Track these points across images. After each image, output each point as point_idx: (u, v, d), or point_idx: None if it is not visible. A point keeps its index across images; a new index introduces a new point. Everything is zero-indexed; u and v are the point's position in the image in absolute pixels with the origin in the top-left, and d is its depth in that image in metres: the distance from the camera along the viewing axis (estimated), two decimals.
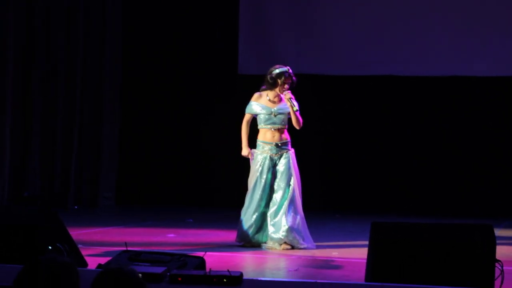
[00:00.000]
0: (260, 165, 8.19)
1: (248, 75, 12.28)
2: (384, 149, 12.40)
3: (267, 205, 8.18)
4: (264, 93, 8.27)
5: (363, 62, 12.17)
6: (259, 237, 8.19)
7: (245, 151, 8.29)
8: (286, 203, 8.08)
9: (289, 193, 8.10)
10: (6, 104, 11.49)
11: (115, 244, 7.69)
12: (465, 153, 12.20)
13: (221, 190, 12.62)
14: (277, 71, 8.22)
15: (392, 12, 12.12)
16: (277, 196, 8.13)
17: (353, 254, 7.78)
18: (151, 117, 13.03)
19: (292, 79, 8.23)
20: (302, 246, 8.07)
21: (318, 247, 8.22)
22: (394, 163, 12.34)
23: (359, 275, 6.13)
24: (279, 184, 8.15)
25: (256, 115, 8.26)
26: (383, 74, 12.23)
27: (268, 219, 8.13)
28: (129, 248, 6.20)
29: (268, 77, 8.23)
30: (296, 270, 6.88)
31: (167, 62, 12.96)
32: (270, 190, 8.18)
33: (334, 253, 7.92)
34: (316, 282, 5.53)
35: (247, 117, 8.33)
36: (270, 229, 8.10)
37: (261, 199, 8.16)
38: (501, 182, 12.06)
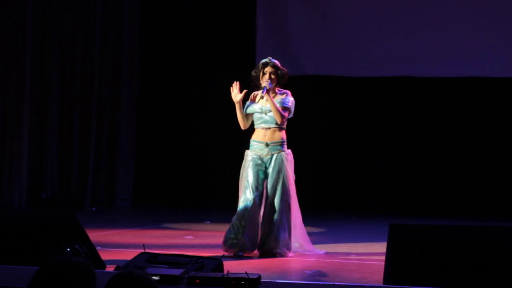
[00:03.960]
0: (249, 165, 7.76)
1: None
2: (402, 150, 12.34)
3: (260, 208, 7.68)
4: (260, 92, 7.86)
5: (382, 63, 12.11)
6: (248, 245, 7.61)
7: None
8: (277, 210, 7.60)
9: (280, 198, 7.62)
10: (24, 106, 11.53)
11: (133, 246, 7.69)
12: (485, 153, 12.12)
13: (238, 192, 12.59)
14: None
15: (411, 12, 12.06)
16: (268, 201, 7.67)
17: (371, 257, 7.74)
18: (168, 119, 13.03)
19: (274, 67, 7.76)
20: (293, 253, 7.64)
21: (335, 249, 8.18)
22: (413, 164, 12.28)
23: (377, 277, 6.10)
24: (270, 188, 7.65)
25: (253, 114, 7.89)
26: (402, 75, 12.17)
27: (260, 225, 7.65)
28: (147, 250, 6.20)
29: (253, 72, 7.92)
30: (314, 272, 6.86)
31: (184, 64, 12.96)
32: (263, 192, 7.69)
33: (352, 256, 7.88)
34: (333, 285, 5.51)
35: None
36: (261, 237, 7.64)
37: (254, 202, 7.63)
38: None
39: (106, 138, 12.56)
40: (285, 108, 7.77)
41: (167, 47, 13.02)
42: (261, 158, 7.77)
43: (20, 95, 11.51)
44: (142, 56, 12.92)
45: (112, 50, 12.57)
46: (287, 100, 7.79)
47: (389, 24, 12.14)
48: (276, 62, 7.85)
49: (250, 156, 7.83)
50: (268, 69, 7.79)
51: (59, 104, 12.13)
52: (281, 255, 7.58)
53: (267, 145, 7.77)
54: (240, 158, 12.55)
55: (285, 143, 7.83)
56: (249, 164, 7.80)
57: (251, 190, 7.70)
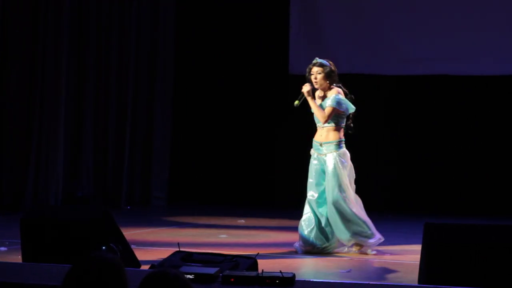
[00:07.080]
0: (310, 165, 7.88)
1: (299, 75, 12.24)
2: (438, 149, 12.27)
3: (323, 207, 7.77)
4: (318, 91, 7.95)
5: (418, 60, 12.03)
6: (323, 243, 7.78)
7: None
8: (333, 210, 7.68)
9: (334, 200, 7.68)
10: (59, 105, 11.61)
11: (168, 245, 7.72)
12: None
13: (273, 190, 12.60)
14: None
15: (448, 8, 11.98)
16: (328, 200, 7.72)
17: (406, 256, 7.70)
18: (202, 116, 13.07)
19: (319, 67, 7.81)
20: (370, 243, 7.78)
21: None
22: (449, 163, 12.20)
23: (412, 277, 6.06)
24: (327, 188, 7.74)
25: None
26: (439, 73, 12.10)
27: (331, 223, 7.77)
28: (181, 249, 6.22)
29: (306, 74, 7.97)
30: (348, 271, 6.84)
31: (218, 62, 12.99)
32: (324, 192, 7.78)
33: (387, 255, 7.85)
34: (368, 284, 5.49)
35: None
36: (336, 233, 7.78)
37: (315, 201, 7.77)
38: None
39: (141, 136, 12.62)
40: (329, 108, 7.74)
41: (201, 45, 13.05)
42: (318, 158, 7.84)
43: (56, 94, 11.59)
44: (177, 53, 12.96)
45: (147, 50, 12.62)
46: (329, 101, 7.75)
47: (425, 21, 12.07)
48: (322, 61, 7.82)
49: (312, 156, 7.91)
50: (313, 70, 7.82)
51: (94, 103, 12.20)
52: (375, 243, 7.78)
53: (321, 145, 7.81)
54: (273, 155, 12.63)
55: (342, 143, 7.81)
56: (311, 164, 7.87)
57: (311, 189, 7.81)
